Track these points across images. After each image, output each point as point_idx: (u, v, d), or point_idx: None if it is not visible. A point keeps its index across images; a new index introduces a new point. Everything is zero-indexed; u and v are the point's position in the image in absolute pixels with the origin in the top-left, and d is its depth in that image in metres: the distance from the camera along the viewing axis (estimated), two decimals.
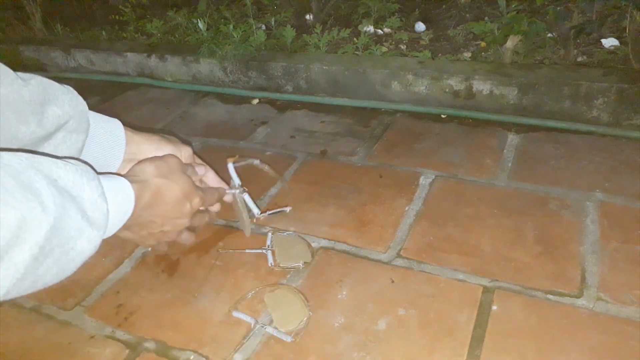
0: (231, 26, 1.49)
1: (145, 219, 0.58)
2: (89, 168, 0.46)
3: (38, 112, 0.55)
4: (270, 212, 0.84)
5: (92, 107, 0.63)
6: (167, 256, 0.87)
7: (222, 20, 1.69)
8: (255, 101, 1.46)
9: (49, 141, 0.57)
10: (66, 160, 0.44)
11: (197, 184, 0.69)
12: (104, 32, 1.86)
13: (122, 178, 0.53)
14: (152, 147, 0.66)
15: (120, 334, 0.73)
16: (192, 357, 0.68)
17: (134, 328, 0.74)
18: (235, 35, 1.48)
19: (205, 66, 1.54)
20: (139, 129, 0.68)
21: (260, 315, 0.74)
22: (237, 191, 0.74)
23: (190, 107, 1.47)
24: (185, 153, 0.68)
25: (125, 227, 0.53)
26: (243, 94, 1.50)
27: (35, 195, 0.38)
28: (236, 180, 0.76)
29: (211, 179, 0.73)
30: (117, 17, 1.94)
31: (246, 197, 0.77)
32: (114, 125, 0.64)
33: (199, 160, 0.72)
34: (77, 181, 0.43)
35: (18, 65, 1.88)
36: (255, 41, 1.48)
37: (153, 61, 1.63)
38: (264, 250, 0.86)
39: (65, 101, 0.58)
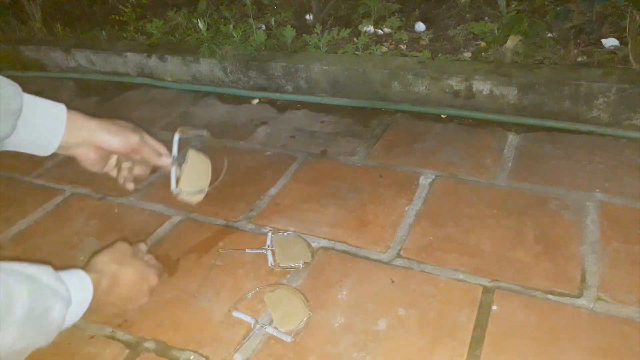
0: (231, 26, 1.49)
1: (107, 302, 0.67)
2: (45, 266, 0.57)
3: None
4: (190, 190, 0.78)
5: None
6: (168, 256, 0.87)
7: (222, 20, 1.69)
8: (255, 101, 1.46)
9: None
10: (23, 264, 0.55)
11: (146, 258, 0.79)
12: (104, 32, 1.85)
13: (79, 269, 0.63)
14: (103, 133, 0.71)
15: (120, 334, 0.73)
16: (192, 357, 0.68)
17: (134, 328, 0.74)
18: (235, 35, 1.48)
19: (205, 66, 1.54)
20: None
21: (260, 315, 0.74)
22: (170, 160, 0.77)
23: (190, 107, 1.47)
24: (132, 140, 0.73)
25: (91, 311, 0.62)
26: (243, 94, 1.49)
27: (9, 275, 0.50)
28: (174, 152, 0.78)
29: (161, 161, 0.77)
30: (117, 17, 1.94)
31: (173, 169, 0.77)
32: (55, 110, 0.68)
33: (151, 141, 0.76)
34: (35, 270, 0.54)
35: (18, 65, 1.88)
36: (255, 41, 1.48)
37: (153, 61, 1.63)
38: (264, 250, 0.86)
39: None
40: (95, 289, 0.63)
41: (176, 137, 0.77)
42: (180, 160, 0.77)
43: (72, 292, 0.58)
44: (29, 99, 0.67)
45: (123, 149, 0.74)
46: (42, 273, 0.55)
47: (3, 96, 0.63)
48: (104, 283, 0.65)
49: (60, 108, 0.70)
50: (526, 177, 1.00)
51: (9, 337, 0.48)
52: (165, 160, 0.77)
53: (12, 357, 0.50)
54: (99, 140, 0.71)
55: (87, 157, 0.72)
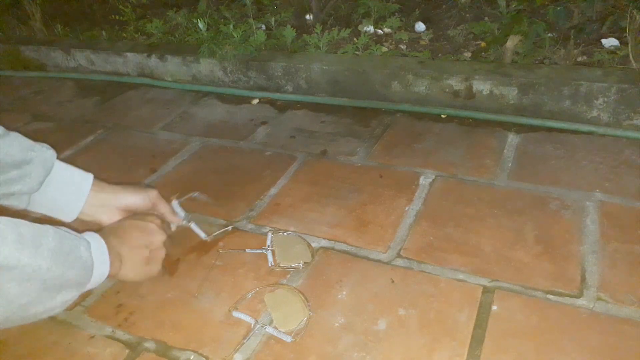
0: (231, 26, 1.49)
1: (126, 250, 0.71)
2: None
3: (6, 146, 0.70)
4: (215, 233, 0.91)
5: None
6: (167, 256, 0.87)
7: (222, 20, 1.69)
8: (255, 101, 1.46)
9: (18, 169, 0.70)
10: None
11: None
12: (104, 32, 1.86)
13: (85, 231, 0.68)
14: (125, 192, 0.80)
15: (120, 334, 0.73)
16: (192, 357, 0.68)
17: (134, 328, 0.74)
18: (235, 35, 1.48)
19: (205, 66, 1.54)
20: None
21: (260, 315, 0.74)
22: (184, 222, 0.88)
23: (190, 107, 1.47)
24: (152, 194, 0.83)
25: (117, 259, 0.68)
26: (243, 94, 1.50)
27: (33, 222, 0.57)
28: (181, 214, 0.89)
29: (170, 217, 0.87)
30: (117, 17, 1.94)
31: (192, 225, 0.89)
32: (82, 178, 0.78)
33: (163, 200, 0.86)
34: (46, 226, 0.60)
35: (18, 65, 1.88)
36: (255, 41, 1.48)
37: (153, 61, 1.63)
38: (264, 250, 0.86)
39: (35, 148, 0.73)
40: (105, 239, 0.67)
41: (174, 202, 0.88)
42: (189, 217, 0.89)
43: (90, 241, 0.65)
44: (61, 165, 0.76)
45: (146, 204, 0.82)
46: (60, 227, 0.62)
47: (40, 151, 0.72)
48: (106, 230, 0.71)
49: (87, 178, 0.78)
50: (526, 177, 1.00)
51: (44, 261, 0.55)
52: (178, 218, 0.87)
53: (50, 283, 0.56)
54: (122, 201, 0.79)
55: (113, 221, 0.78)
